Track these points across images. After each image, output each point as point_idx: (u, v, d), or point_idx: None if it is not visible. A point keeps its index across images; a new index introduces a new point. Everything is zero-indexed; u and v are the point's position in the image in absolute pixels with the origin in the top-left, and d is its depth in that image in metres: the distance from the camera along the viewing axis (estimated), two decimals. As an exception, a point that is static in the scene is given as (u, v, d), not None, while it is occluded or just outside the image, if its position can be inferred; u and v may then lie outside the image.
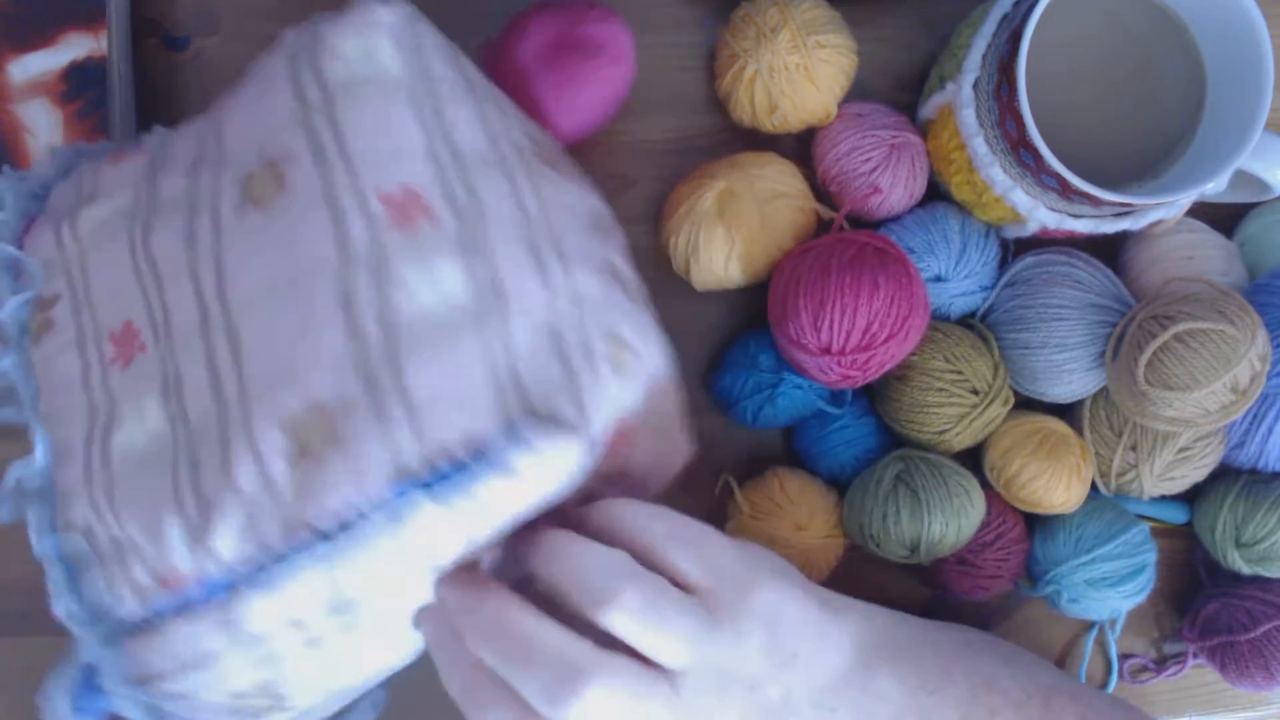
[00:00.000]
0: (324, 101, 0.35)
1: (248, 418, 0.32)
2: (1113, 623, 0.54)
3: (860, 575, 0.51)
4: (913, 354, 0.48)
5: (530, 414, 0.32)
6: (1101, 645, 0.54)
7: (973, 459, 0.51)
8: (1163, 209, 0.45)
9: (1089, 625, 0.54)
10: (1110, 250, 0.52)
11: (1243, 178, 0.45)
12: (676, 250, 0.48)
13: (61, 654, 0.51)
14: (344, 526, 0.32)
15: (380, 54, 0.36)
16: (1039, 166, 0.42)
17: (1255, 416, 0.49)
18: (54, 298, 0.38)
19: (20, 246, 0.40)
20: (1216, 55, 0.45)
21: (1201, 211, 0.50)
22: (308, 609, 0.34)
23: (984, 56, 0.45)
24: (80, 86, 0.48)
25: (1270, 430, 0.48)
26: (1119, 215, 0.46)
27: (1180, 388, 0.44)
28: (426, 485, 0.31)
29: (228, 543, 0.33)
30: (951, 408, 0.47)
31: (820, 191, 0.50)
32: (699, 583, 0.34)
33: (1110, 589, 0.49)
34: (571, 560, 0.33)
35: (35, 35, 0.48)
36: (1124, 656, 0.55)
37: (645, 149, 0.52)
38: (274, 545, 0.32)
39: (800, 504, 0.49)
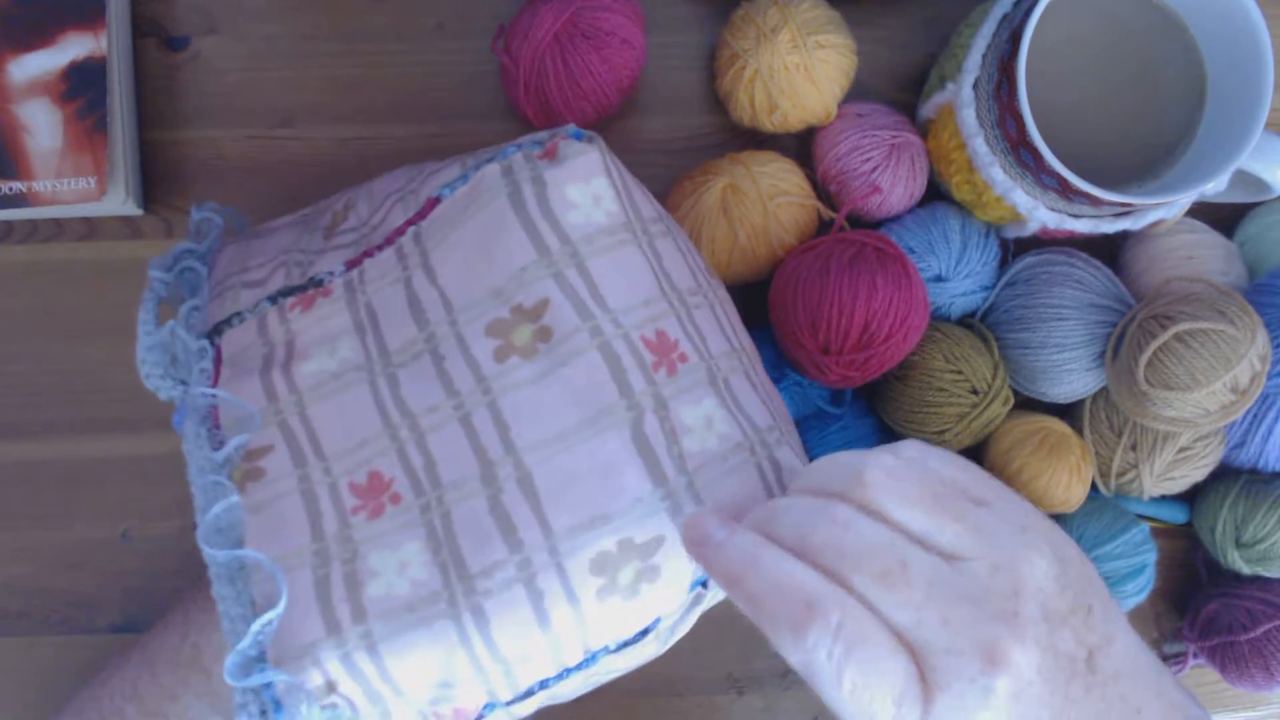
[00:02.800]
0: (568, 251, 0.37)
1: (560, 564, 0.33)
2: (1113, 623, 0.54)
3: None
4: (913, 354, 0.48)
5: None
6: (1101, 645, 0.54)
7: (973, 459, 0.51)
8: (1163, 209, 0.45)
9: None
10: (1110, 250, 0.52)
11: (1243, 178, 0.45)
12: (676, 250, 0.49)
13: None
14: (636, 638, 0.35)
15: (605, 199, 0.38)
16: (1039, 166, 0.42)
17: (1255, 416, 0.49)
18: (265, 448, 0.37)
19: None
20: (1216, 55, 0.45)
21: (1201, 211, 0.50)
22: (575, 686, 0.36)
23: (984, 56, 0.45)
24: (80, 86, 0.48)
25: (1270, 430, 0.48)
26: (1119, 215, 0.46)
27: (1180, 388, 0.44)
28: (704, 584, 0.36)
29: (529, 679, 0.35)
30: (951, 407, 0.47)
31: (820, 191, 0.50)
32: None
33: (1110, 589, 0.49)
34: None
35: (35, 35, 0.48)
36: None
37: (645, 148, 0.52)
38: (570, 665, 0.35)
39: (800, 504, 0.49)
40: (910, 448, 0.31)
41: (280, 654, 0.33)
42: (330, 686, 0.33)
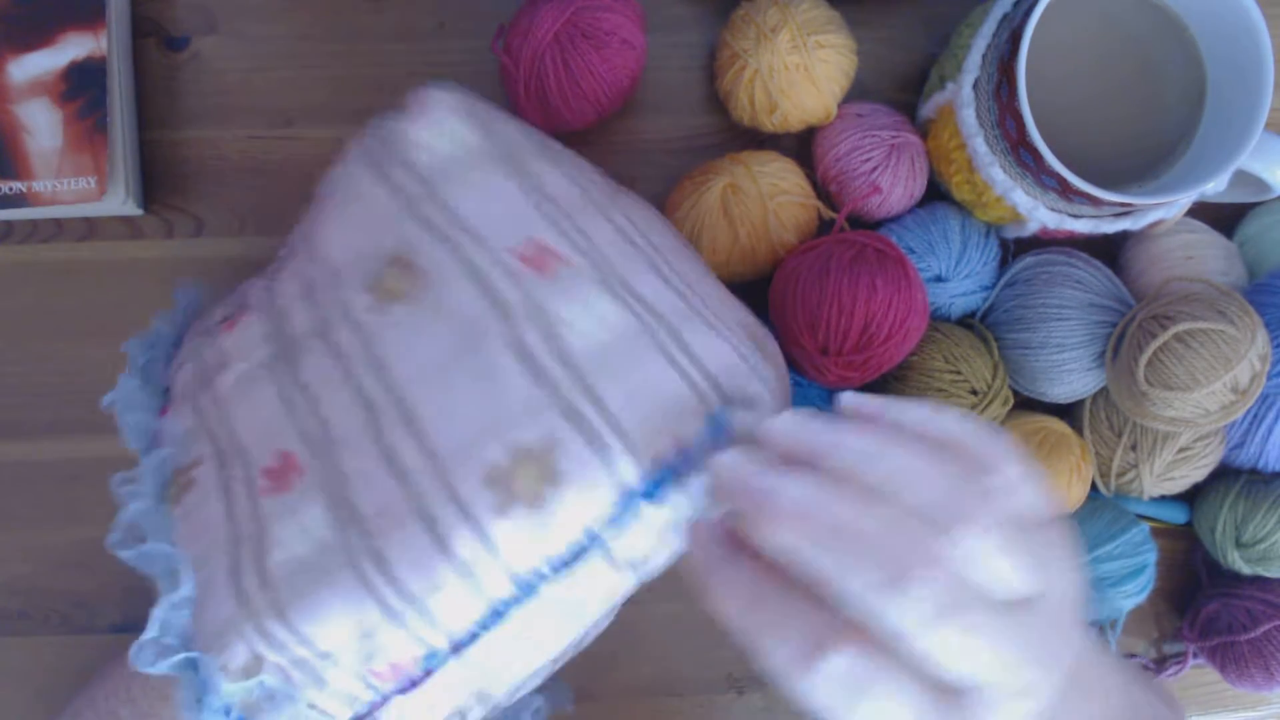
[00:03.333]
0: (425, 190, 0.37)
1: (450, 486, 0.32)
2: (1113, 623, 0.54)
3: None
4: (912, 354, 0.48)
5: (728, 403, 0.34)
6: (1101, 645, 0.54)
7: (973, 459, 0.51)
8: (1163, 209, 0.45)
9: (1089, 625, 0.54)
10: (1110, 250, 0.52)
11: (1243, 178, 0.45)
12: (676, 250, 0.48)
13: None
14: (573, 555, 0.33)
15: (459, 135, 0.38)
16: (1039, 166, 0.42)
17: (1255, 416, 0.49)
18: (195, 462, 0.37)
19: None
20: (1216, 55, 0.45)
21: (1201, 211, 0.50)
22: (534, 628, 0.34)
23: (984, 56, 0.45)
24: (80, 86, 0.48)
25: (1270, 430, 0.48)
26: (1119, 215, 0.46)
27: (1180, 388, 0.44)
28: (646, 495, 0.33)
29: (454, 617, 0.33)
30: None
31: (820, 191, 0.50)
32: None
33: (1110, 589, 0.49)
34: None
35: (35, 35, 0.48)
36: (1124, 656, 0.55)
37: (645, 148, 0.52)
38: (503, 596, 0.33)
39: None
40: (1008, 463, 0.29)
41: (204, 640, 0.33)
42: (257, 660, 0.33)
